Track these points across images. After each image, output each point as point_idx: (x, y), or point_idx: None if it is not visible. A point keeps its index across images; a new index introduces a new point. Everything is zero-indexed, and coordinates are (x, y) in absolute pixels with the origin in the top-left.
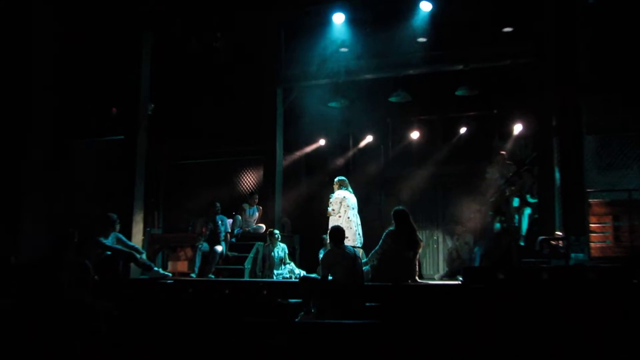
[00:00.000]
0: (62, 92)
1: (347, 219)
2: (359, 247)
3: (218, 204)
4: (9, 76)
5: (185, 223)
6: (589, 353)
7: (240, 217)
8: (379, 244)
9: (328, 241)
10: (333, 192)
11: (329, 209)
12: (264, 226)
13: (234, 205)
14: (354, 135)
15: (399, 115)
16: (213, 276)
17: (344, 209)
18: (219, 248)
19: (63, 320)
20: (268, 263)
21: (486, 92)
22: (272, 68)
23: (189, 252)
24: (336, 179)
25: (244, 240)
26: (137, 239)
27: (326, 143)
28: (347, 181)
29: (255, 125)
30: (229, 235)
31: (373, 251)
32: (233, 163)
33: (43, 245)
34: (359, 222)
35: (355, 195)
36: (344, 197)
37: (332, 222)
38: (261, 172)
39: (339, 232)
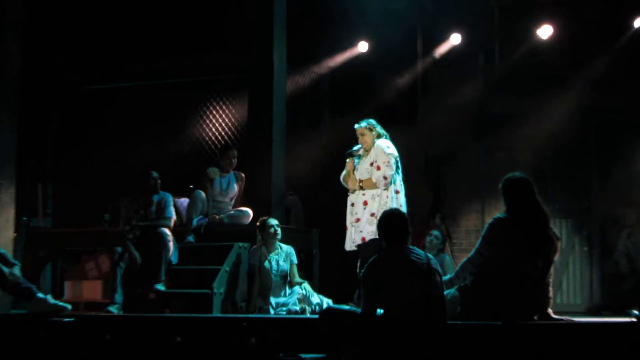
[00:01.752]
0: None
1: (397, 196)
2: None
3: (155, 173)
4: None
5: (96, 208)
6: None
7: (203, 195)
8: (477, 245)
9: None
10: (357, 147)
11: (378, 175)
12: (250, 211)
13: (191, 171)
14: (425, 35)
15: None
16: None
17: (398, 177)
18: (169, 246)
19: None
20: (260, 283)
21: None
22: None
23: (105, 262)
24: (365, 123)
25: (210, 239)
26: (4, 237)
27: (371, 49)
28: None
29: (234, 19)
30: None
31: (465, 260)
32: (188, 89)
33: None
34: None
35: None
36: (397, 155)
37: (375, 201)
38: (244, 107)
39: (397, 222)
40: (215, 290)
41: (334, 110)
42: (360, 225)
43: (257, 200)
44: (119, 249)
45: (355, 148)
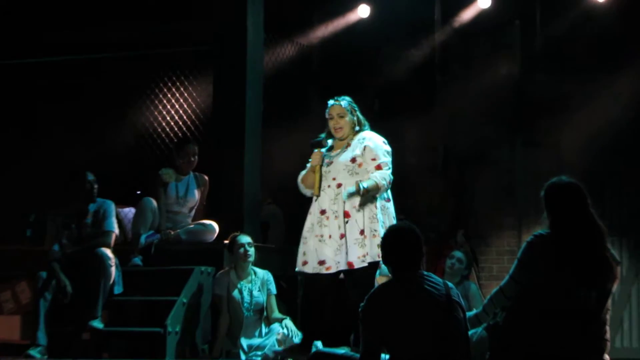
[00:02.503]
0: None
1: (388, 205)
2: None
3: (90, 175)
4: None
5: (12, 220)
6: None
7: (154, 204)
8: (512, 270)
9: (380, 263)
10: (323, 135)
11: (382, 175)
12: (215, 226)
13: (138, 173)
14: None
15: None
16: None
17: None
18: (110, 271)
19: None
20: (228, 319)
21: None
22: None
23: (25, 292)
24: (347, 102)
25: (163, 261)
26: None
27: (374, 14)
28: None
29: None
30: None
31: (496, 290)
32: (132, 66)
33: None
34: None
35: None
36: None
37: (362, 214)
38: (207, 90)
39: (407, 241)
40: (170, 329)
41: (325, 94)
42: (345, 246)
43: (225, 211)
44: (44, 275)
45: (323, 136)
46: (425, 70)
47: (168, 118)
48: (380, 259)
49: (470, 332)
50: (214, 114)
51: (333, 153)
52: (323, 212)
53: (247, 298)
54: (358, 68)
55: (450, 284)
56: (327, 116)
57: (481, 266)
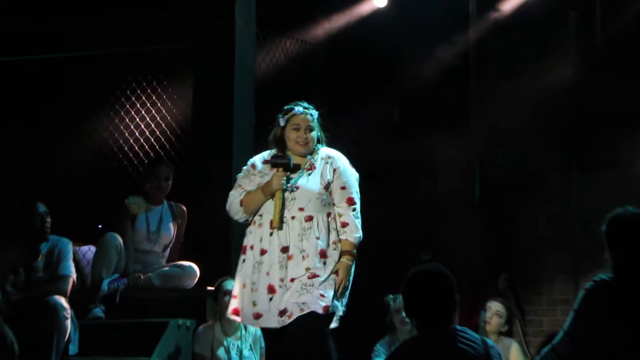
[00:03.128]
0: None
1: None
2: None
3: (42, 206)
4: None
5: None
6: None
7: (119, 241)
8: (567, 325)
9: (402, 314)
10: (272, 150)
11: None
12: (195, 268)
13: (100, 202)
14: None
15: None
16: None
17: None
18: (65, 325)
19: None
20: None
21: None
22: None
23: None
24: (313, 110)
25: (131, 313)
26: None
27: (394, 4)
28: None
29: None
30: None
31: (548, 350)
32: (94, 67)
33: None
34: None
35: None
36: None
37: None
38: (186, 97)
39: (436, 289)
40: None
41: (333, 101)
42: (320, 286)
43: (208, 250)
44: None
45: (290, 157)
46: (458, 74)
47: (137, 133)
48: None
49: None
50: (193, 127)
51: (295, 175)
52: (285, 249)
53: (235, 359)
54: (373, 70)
55: (489, 342)
56: (284, 124)
57: (528, 319)
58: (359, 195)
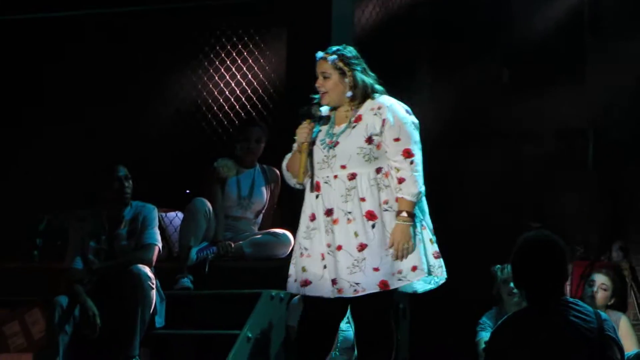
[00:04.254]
0: None
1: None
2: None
3: (123, 170)
4: None
5: (19, 226)
6: None
7: (208, 207)
8: None
9: (510, 284)
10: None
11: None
12: (290, 236)
13: (187, 165)
14: None
15: None
16: None
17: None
18: (151, 296)
19: None
20: None
21: None
22: None
23: (38, 323)
24: (334, 55)
25: (221, 283)
26: None
27: None
28: None
29: None
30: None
31: None
32: (179, 21)
33: None
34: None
35: None
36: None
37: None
38: (279, 54)
39: (547, 258)
40: None
41: (438, 57)
42: (372, 257)
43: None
44: (63, 301)
45: (318, 103)
46: (572, 31)
47: (227, 92)
48: (425, 274)
49: None
50: (287, 87)
51: (336, 129)
52: (329, 212)
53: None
54: (480, 27)
55: (603, 315)
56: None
57: None
58: (419, 146)
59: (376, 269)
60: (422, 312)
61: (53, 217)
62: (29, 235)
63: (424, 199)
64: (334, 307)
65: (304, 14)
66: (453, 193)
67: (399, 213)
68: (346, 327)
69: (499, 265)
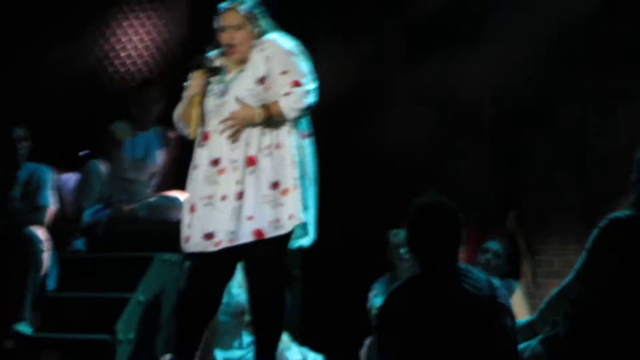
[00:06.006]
0: None
1: (301, 144)
2: None
3: (20, 130)
4: None
5: None
6: None
7: (102, 169)
8: (578, 265)
9: (401, 250)
10: (212, 53)
11: (295, 98)
12: (182, 199)
13: (82, 126)
14: None
15: None
16: None
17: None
18: (42, 258)
19: None
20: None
21: None
22: None
23: None
24: (245, 4)
25: (114, 246)
26: None
27: None
28: None
29: None
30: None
31: (557, 291)
32: None
33: None
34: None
35: None
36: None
37: (274, 159)
38: (174, 14)
39: (441, 223)
40: (121, 336)
41: (337, 25)
42: (247, 205)
43: None
44: None
45: (211, 54)
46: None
47: (124, 53)
48: (301, 221)
49: (520, 346)
50: (185, 47)
51: (227, 77)
52: (215, 162)
53: (224, 298)
54: None
55: (496, 282)
56: (215, 26)
57: (538, 258)
58: (310, 77)
59: (250, 217)
60: (315, 278)
61: None
62: None
63: (310, 148)
64: (217, 264)
65: None
66: (350, 160)
67: (263, 106)
68: (237, 292)
69: (394, 230)
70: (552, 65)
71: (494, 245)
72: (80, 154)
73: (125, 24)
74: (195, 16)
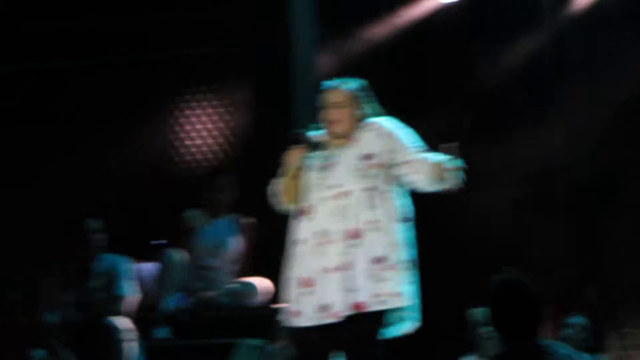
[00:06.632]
0: None
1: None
2: None
3: (94, 223)
4: None
5: None
6: None
7: (180, 257)
8: None
9: (483, 328)
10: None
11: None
12: (257, 284)
13: (151, 215)
14: None
15: None
16: None
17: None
18: (126, 348)
19: None
20: None
21: None
22: None
23: None
24: (348, 85)
25: (197, 333)
26: None
27: None
28: None
29: None
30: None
31: None
32: (143, 70)
33: None
34: None
35: None
36: None
37: (381, 233)
38: (242, 101)
39: (520, 302)
40: None
41: (397, 103)
42: (351, 278)
43: (276, 263)
44: (40, 354)
45: (306, 131)
46: (534, 72)
47: (195, 137)
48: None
49: None
50: (253, 134)
51: (328, 152)
52: (321, 234)
53: None
54: (440, 70)
55: (584, 356)
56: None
57: (624, 331)
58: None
59: (353, 290)
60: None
61: (26, 272)
62: (7, 290)
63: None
64: (324, 337)
65: (267, 63)
66: (429, 238)
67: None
68: None
69: (473, 309)
70: (622, 140)
71: (577, 319)
72: (153, 243)
73: (189, 112)
74: (260, 106)
